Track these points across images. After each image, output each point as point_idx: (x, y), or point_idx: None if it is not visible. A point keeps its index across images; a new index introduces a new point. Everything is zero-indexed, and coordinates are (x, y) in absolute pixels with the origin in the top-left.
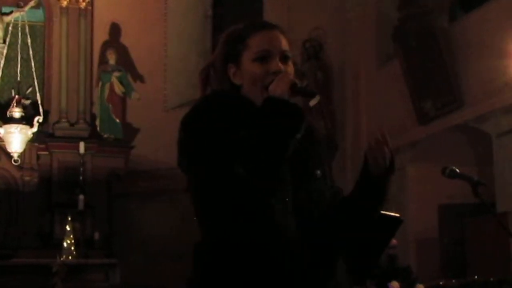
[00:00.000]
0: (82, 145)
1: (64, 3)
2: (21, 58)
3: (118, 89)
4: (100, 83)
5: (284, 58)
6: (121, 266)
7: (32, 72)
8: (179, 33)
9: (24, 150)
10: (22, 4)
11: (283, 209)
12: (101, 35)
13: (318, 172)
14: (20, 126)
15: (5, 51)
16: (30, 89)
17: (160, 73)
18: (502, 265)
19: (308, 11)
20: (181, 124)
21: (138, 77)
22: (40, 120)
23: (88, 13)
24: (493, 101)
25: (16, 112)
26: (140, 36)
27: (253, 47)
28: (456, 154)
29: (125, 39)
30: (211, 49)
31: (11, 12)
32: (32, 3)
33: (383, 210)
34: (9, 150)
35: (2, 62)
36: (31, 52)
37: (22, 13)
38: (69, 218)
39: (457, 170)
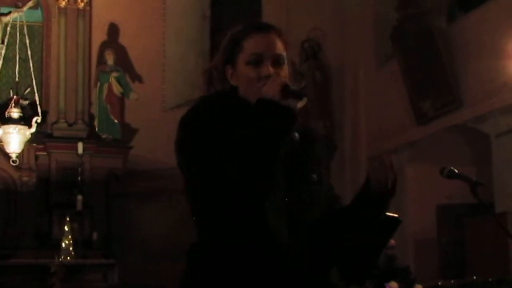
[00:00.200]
0: (80, 146)
1: (62, 4)
2: (19, 58)
3: (117, 89)
4: (98, 84)
5: (277, 62)
6: (120, 266)
7: (31, 72)
8: (177, 34)
9: (23, 151)
10: (20, 4)
11: (275, 211)
12: (99, 36)
13: (314, 176)
14: (19, 126)
15: (3, 52)
16: (28, 90)
17: (158, 73)
18: (501, 265)
19: (306, 11)
20: (179, 124)
21: (137, 77)
22: (39, 121)
23: (86, 14)
24: (492, 101)
25: (15, 113)
26: (138, 36)
27: (247, 50)
28: (454, 154)
29: (123, 40)
30: (209, 50)
31: (9, 13)
32: (30, 4)
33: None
34: (7, 150)
35: (0, 62)
36: (29, 53)
37: (20, 13)
38: (68, 219)
39: (456, 171)
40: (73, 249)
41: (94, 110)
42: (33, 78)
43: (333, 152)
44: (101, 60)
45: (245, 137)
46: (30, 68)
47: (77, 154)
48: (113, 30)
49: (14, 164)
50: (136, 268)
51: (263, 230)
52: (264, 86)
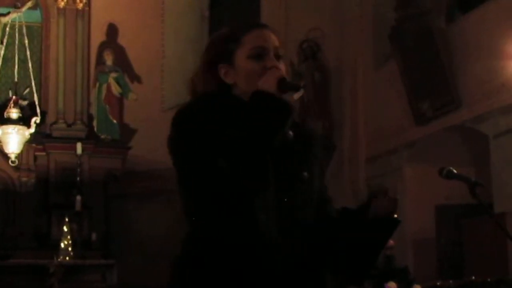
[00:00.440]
0: (79, 146)
1: (61, 4)
2: (18, 59)
3: (115, 89)
4: (97, 84)
5: (278, 55)
6: (118, 266)
7: (30, 73)
8: (176, 34)
9: (21, 151)
10: (19, 5)
11: (265, 208)
12: (98, 36)
13: (305, 174)
14: (18, 127)
15: (2, 52)
16: (27, 90)
17: (157, 74)
18: (499, 265)
19: (305, 11)
20: (172, 121)
21: (135, 78)
22: (38, 121)
23: (85, 14)
24: (491, 101)
25: (14, 113)
26: (137, 36)
27: (248, 44)
28: (453, 155)
29: (122, 40)
30: None
31: (8, 13)
32: (29, 4)
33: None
34: (6, 151)
35: (0, 63)
36: (28, 53)
37: (19, 14)
38: (66, 219)
39: (454, 171)
40: (72, 249)
41: (93, 110)
42: (32, 78)
43: (332, 153)
44: (100, 61)
45: (240, 129)
46: (29, 68)
47: (76, 155)
48: (112, 30)
49: (13, 165)
50: (135, 269)
51: (253, 227)
52: (261, 79)
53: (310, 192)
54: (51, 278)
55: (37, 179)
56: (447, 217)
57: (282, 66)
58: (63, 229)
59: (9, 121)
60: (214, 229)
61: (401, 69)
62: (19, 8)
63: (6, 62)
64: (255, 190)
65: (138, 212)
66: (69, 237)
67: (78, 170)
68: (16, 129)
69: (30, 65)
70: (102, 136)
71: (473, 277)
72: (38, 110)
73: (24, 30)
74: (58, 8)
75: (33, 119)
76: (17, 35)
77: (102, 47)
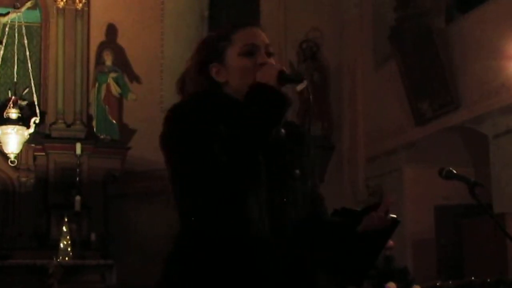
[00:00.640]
0: (78, 146)
1: (61, 4)
2: (18, 59)
3: (115, 90)
4: (97, 84)
5: (268, 52)
6: (118, 267)
7: (29, 73)
8: (175, 34)
9: (21, 151)
10: (18, 5)
11: (257, 205)
12: (97, 36)
13: (297, 171)
14: (17, 127)
15: (1, 52)
16: (26, 90)
17: (156, 74)
18: (499, 266)
19: (305, 12)
20: (165, 120)
21: (135, 78)
22: (37, 121)
23: (84, 14)
24: (490, 102)
25: (13, 113)
26: (136, 37)
27: (239, 41)
28: (453, 155)
29: (121, 40)
30: None
31: (7, 13)
32: (28, 4)
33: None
34: (5, 151)
35: None
36: (27, 53)
37: (18, 14)
38: (66, 219)
39: (454, 171)
40: (71, 249)
41: (92, 110)
42: (32, 78)
43: (331, 153)
44: (99, 61)
45: (233, 126)
46: (28, 68)
47: (75, 155)
48: (111, 30)
49: (12, 165)
50: (134, 269)
51: (246, 225)
52: (259, 72)
53: (302, 190)
54: (50, 278)
55: (37, 179)
56: (446, 218)
57: (273, 62)
58: (62, 229)
59: (8, 121)
60: (206, 226)
61: (400, 69)
62: (18, 8)
63: (5, 62)
64: (248, 187)
65: (138, 212)
66: (68, 237)
67: (78, 170)
68: (15, 129)
69: (29, 65)
70: (102, 136)
71: (473, 278)
72: (37, 110)
73: (24, 30)
74: (58, 8)
75: (33, 119)
76: (16, 35)
77: (102, 47)
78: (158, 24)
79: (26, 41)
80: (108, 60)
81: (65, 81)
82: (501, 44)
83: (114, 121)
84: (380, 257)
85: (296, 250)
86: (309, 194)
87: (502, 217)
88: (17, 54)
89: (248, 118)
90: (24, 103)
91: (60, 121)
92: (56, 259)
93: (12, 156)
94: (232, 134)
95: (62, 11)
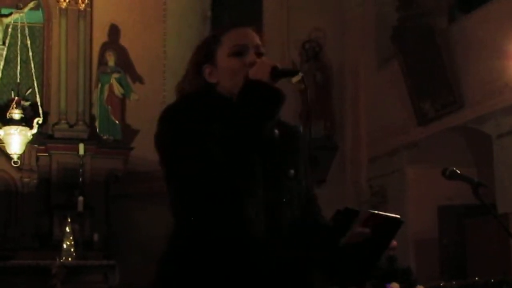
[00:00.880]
0: (81, 147)
1: (63, 5)
2: (21, 59)
3: (117, 90)
4: (99, 85)
5: (258, 52)
6: (120, 267)
7: (32, 73)
8: (178, 34)
9: (24, 152)
10: (21, 5)
11: (252, 205)
12: (100, 37)
13: (291, 171)
14: (20, 127)
15: (4, 53)
16: (29, 91)
17: (159, 74)
18: (502, 266)
19: (307, 12)
20: (159, 120)
21: (137, 78)
22: (40, 122)
23: (87, 15)
24: (493, 102)
25: (16, 114)
26: (139, 37)
27: (228, 42)
28: (455, 155)
29: (124, 40)
30: None
31: (10, 14)
32: (31, 5)
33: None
34: (8, 151)
35: (2, 63)
36: (30, 54)
37: (21, 14)
38: (68, 220)
39: (458, 171)
40: (74, 250)
41: (95, 111)
42: (34, 79)
43: (334, 153)
44: (102, 61)
45: (227, 125)
46: (31, 69)
47: (78, 155)
48: (114, 31)
49: (15, 165)
50: (137, 269)
51: (241, 224)
52: (252, 69)
53: (297, 190)
54: (53, 279)
55: (39, 179)
56: (449, 218)
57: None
58: (65, 230)
59: (11, 121)
60: (202, 226)
61: (403, 69)
62: (21, 8)
63: (8, 62)
64: (244, 187)
65: (140, 212)
66: (71, 237)
67: (80, 170)
68: (18, 130)
69: (32, 65)
70: (104, 137)
71: (476, 278)
72: (40, 111)
73: (26, 31)
74: (60, 9)
75: (35, 120)
76: (19, 35)
77: (104, 47)
78: (161, 24)
79: (28, 42)
80: (111, 60)
81: (68, 82)
82: (504, 43)
83: (117, 122)
84: (383, 257)
85: (291, 250)
86: (304, 194)
87: (506, 217)
88: (19, 54)
89: (242, 114)
90: (27, 103)
91: (63, 121)
92: (59, 260)
93: (15, 157)
94: (227, 133)
95: (64, 12)
